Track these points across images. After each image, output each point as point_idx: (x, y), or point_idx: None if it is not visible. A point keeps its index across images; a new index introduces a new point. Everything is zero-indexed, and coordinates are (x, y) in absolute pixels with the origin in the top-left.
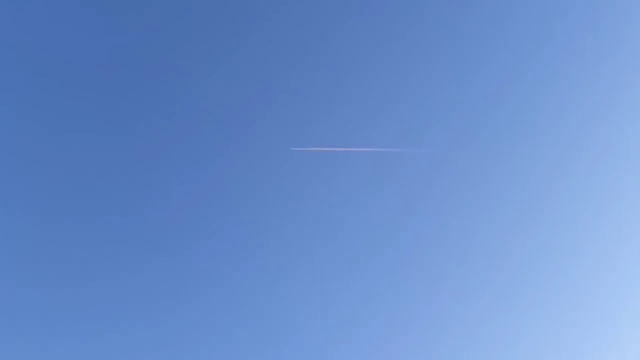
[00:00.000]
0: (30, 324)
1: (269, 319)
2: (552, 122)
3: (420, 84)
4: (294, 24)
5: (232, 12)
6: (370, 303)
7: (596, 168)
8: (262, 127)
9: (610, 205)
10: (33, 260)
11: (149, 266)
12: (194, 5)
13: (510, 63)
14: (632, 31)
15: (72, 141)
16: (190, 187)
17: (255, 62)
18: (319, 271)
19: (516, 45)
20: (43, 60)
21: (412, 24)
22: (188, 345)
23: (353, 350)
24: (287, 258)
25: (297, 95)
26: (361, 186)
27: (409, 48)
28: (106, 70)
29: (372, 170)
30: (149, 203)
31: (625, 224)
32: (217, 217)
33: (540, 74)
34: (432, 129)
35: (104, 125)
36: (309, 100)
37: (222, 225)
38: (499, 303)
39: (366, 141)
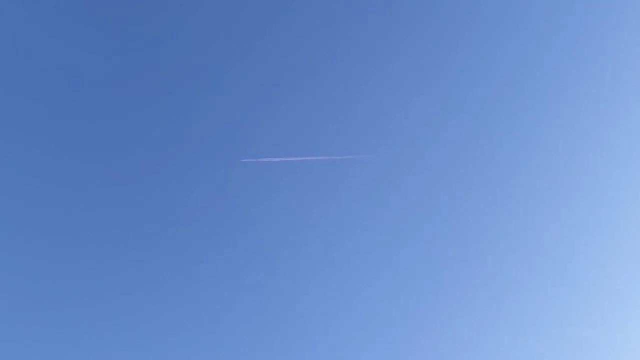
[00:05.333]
0: (35, 335)
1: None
2: (527, 122)
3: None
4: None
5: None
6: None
7: (573, 168)
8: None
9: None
10: (36, 272)
11: (150, 273)
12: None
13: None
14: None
15: (66, 147)
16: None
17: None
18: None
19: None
20: (43, 66)
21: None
22: (193, 352)
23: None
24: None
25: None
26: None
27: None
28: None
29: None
30: (149, 210)
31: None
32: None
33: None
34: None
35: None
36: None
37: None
38: (487, 303)
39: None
